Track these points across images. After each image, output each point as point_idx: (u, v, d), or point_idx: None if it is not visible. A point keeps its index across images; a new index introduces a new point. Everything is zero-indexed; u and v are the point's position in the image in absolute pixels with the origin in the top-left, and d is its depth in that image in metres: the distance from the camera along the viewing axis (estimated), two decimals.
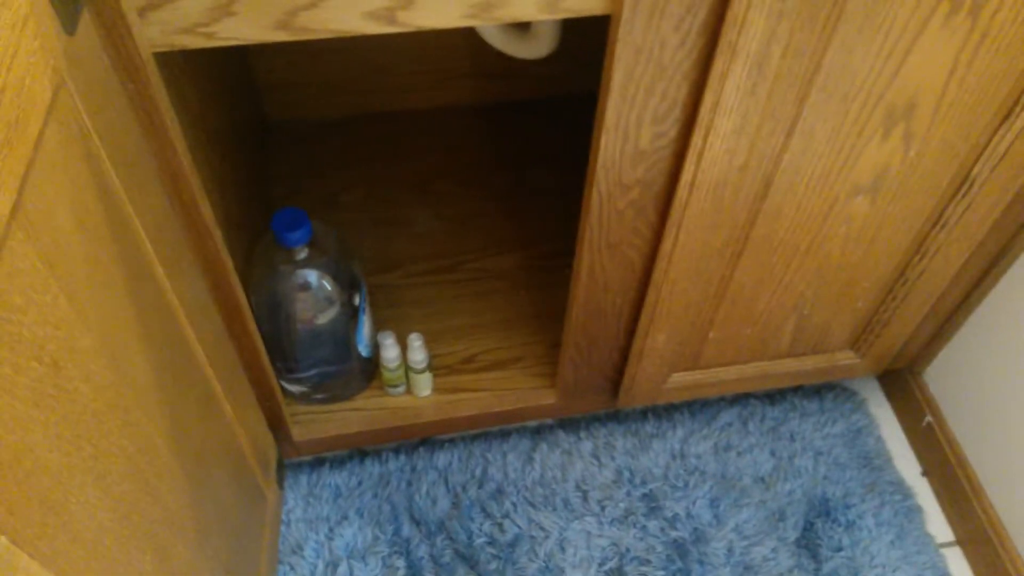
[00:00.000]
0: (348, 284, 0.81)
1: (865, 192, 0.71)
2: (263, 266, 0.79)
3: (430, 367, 0.90)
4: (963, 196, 0.73)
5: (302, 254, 0.77)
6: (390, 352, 0.87)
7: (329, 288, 0.79)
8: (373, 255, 1.04)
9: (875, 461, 1.02)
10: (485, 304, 1.01)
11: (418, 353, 0.87)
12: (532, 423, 1.04)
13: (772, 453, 1.02)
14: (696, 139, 0.62)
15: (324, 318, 0.80)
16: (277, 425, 0.86)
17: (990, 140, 0.68)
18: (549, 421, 1.04)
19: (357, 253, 0.90)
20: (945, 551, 0.96)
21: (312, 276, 0.78)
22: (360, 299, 0.83)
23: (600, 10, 0.53)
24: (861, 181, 0.70)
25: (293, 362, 0.85)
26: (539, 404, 0.94)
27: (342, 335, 0.83)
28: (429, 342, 0.97)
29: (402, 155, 1.15)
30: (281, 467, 0.85)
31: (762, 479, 1.00)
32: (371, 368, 0.92)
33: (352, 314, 0.83)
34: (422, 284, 1.02)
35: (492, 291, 1.03)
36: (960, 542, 0.97)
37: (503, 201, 1.11)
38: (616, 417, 1.04)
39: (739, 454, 1.02)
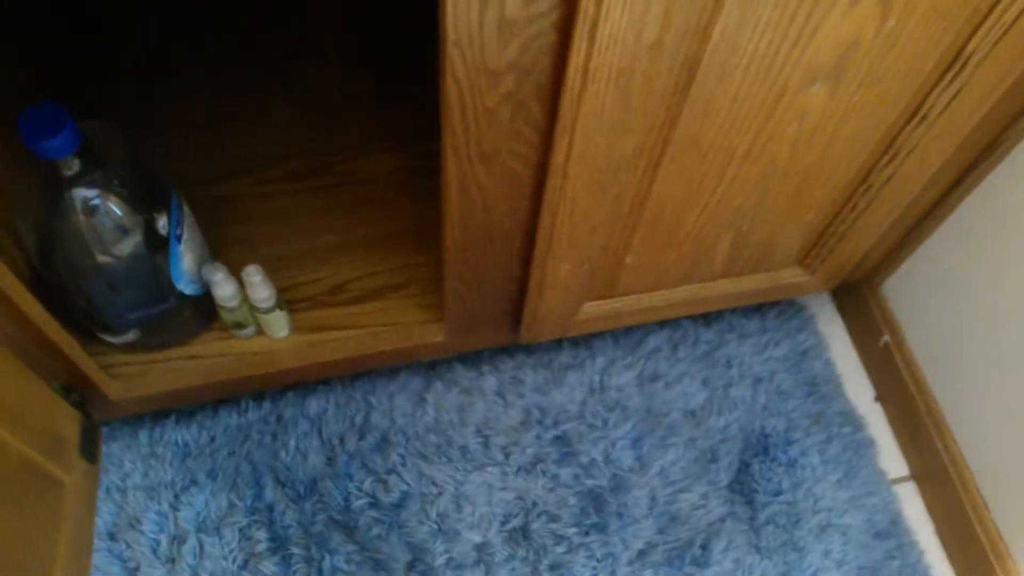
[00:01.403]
0: (148, 204, 0.62)
1: (824, 78, 0.52)
2: (30, 191, 0.59)
3: (280, 304, 0.72)
4: (952, 80, 0.55)
5: (71, 168, 0.56)
6: (223, 289, 0.68)
7: (118, 212, 0.59)
8: (211, 158, 0.83)
9: (823, 388, 0.89)
10: (358, 217, 0.82)
11: (260, 289, 0.69)
12: (426, 358, 0.87)
13: (705, 382, 0.88)
14: (586, 3, 0.42)
15: (116, 253, 0.61)
16: (82, 385, 0.68)
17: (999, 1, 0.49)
18: (450, 356, 0.88)
19: (166, 158, 0.69)
20: (898, 488, 0.85)
21: (87, 198, 0.58)
22: (171, 223, 0.64)
23: None
24: (819, 63, 0.51)
25: (94, 310, 0.66)
26: (424, 343, 0.77)
27: (148, 271, 0.64)
28: (287, 268, 0.79)
29: (248, 27, 0.91)
30: (91, 436, 0.68)
31: (692, 413, 0.86)
32: (208, 305, 0.73)
33: (161, 243, 0.63)
34: (277, 194, 0.82)
35: (366, 200, 0.83)
36: (915, 477, 0.86)
37: (380, 86, 0.89)
38: (526, 346, 0.88)
39: (667, 385, 0.87)
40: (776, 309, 0.92)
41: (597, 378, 0.87)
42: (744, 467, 0.84)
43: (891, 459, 0.86)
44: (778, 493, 0.82)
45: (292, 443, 0.81)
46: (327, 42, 0.92)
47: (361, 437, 0.82)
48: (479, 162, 0.54)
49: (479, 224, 0.61)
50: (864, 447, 0.86)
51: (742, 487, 0.83)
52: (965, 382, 0.78)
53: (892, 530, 0.82)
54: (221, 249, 0.77)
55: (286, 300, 0.76)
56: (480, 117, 0.50)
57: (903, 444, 0.87)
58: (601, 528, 0.80)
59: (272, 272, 0.78)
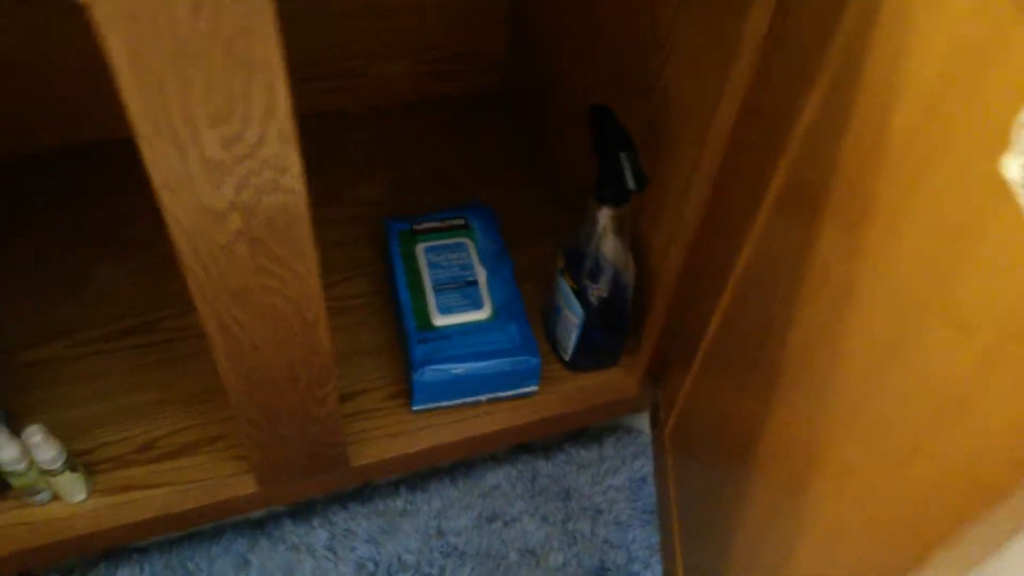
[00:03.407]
0: None
1: None
2: None
3: (73, 465, 0.69)
4: None
5: None
6: (5, 453, 0.66)
7: None
8: (24, 322, 0.83)
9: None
10: (179, 371, 0.82)
11: (44, 450, 0.67)
12: (257, 514, 0.84)
13: (544, 519, 0.86)
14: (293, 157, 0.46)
15: None
16: None
17: None
18: (279, 508, 0.85)
19: None
20: None
21: None
22: None
23: None
24: None
25: None
26: (236, 496, 0.75)
27: None
28: (97, 428, 0.77)
29: (81, 199, 0.94)
30: None
31: (532, 552, 0.84)
32: None
33: None
34: (96, 354, 0.82)
35: (190, 354, 0.83)
36: None
37: None
38: (360, 495, 0.86)
39: (506, 524, 0.85)
40: (614, 437, 0.93)
41: (434, 523, 0.85)
42: None
43: None
44: None
45: None
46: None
47: None
48: (231, 300, 0.55)
49: (253, 364, 0.61)
50: None
51: None
52: None
53: None
54: (28, 416, 0.75)
55: (90, 461, 0.74)
56: (217, 255, 0.52)
57: None
58: None
59: (79, 434, 0.76)
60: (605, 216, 0.71)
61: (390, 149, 1.02)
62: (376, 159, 1.01)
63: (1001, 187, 0.34)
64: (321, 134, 1.02)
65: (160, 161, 0.45)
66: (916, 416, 0.40)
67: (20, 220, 0.92)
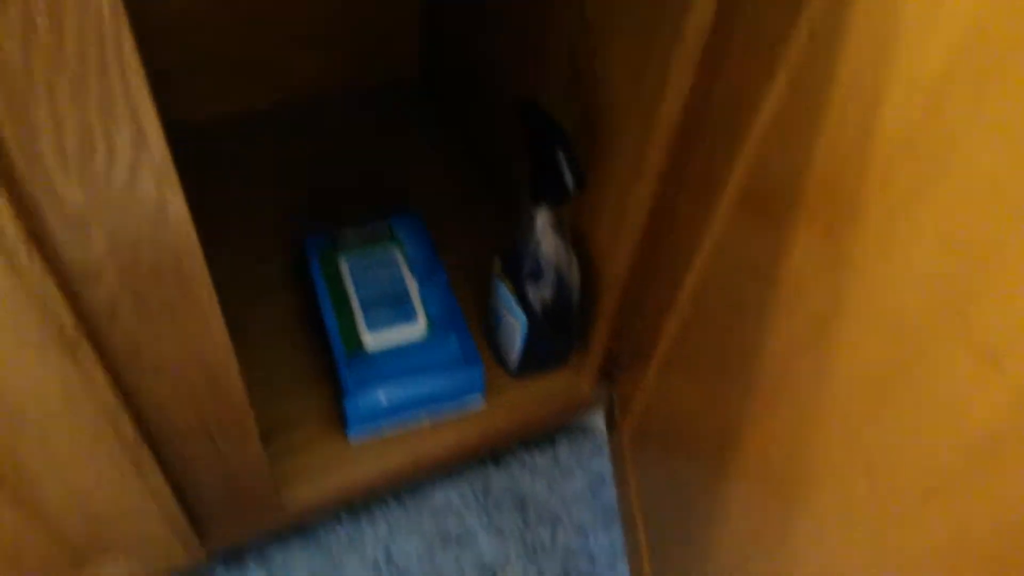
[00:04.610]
0: None
1: None
2: None
3: None
4: None
5: None
6: None
7: None
8: None
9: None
10: None
11: None
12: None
13: (500, 532, 0.81)
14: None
15: None
16: None
17: None
18: (205, 561, 0.77)
19: None
20: None
21: None
22: None
23: None
24: None
25: None
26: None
27: None
28: None
29: None
30: None
31: (490, 570, 0.79)
32: None
33: None
34: None
35: None
36: None
37: None
38: (299, 528, 0.79)
39: (460, 543, 0.80)
40: (567, 439, 0.88)
41: (381, 551, 0.79)
42: None
43: None
44: None
45: None
46: None
47: None
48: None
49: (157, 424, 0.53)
50: None
51: None
52: None
53: None
54: None
55: None
56: (100, 308, 0.43)
57: None
58: None
59: None
60: (543, 217, 0.65)
61: (303, 150, 0.92)
62: (288, 162, 0.91)
63: None
64: (224, 138, 0.91)
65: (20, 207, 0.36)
66: (931, 452, 0.35)
67: None
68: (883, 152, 0.36)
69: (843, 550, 0.43)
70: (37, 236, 0.38)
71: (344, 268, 0.74)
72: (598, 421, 0.89)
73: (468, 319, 0.76)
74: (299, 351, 0.76)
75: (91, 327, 0.43)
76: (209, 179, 0.87)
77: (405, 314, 0.72)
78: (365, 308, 0.72)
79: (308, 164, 0.91)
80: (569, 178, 0.59)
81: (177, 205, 0.41)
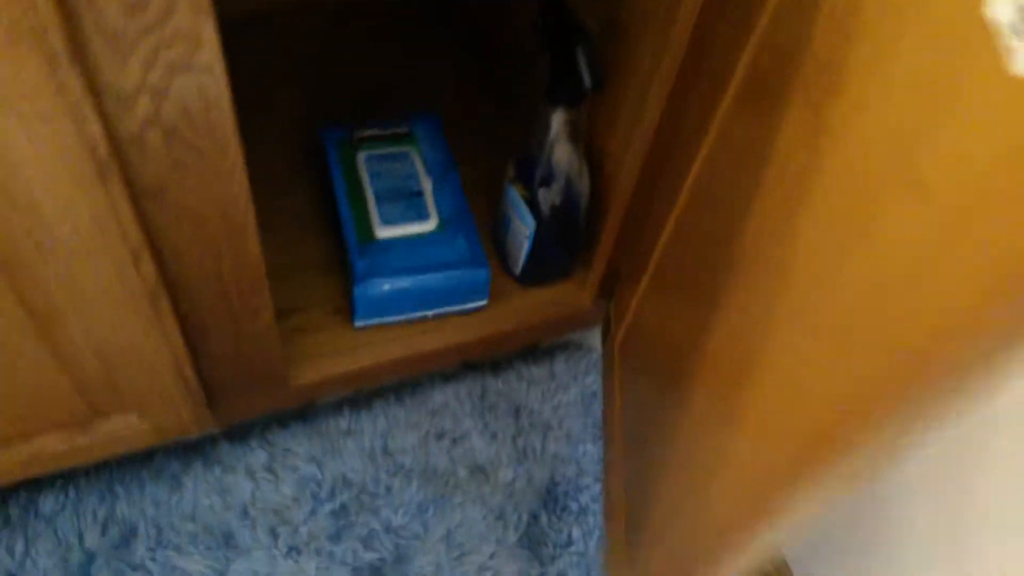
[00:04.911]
0: None
1: None
2: None
3: None
4: None
5: None
6: None
7: None
8: None
9: None
10: None
11: None
12: (191, 437, 0.80)
13: (494, 435, 0.84)
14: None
15: None
16: None
17: None
18: (212, 431, 0.81)
19: None
20: None
21: None
22: None
23: None
24: None
25: None
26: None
27: None
28: None
29: None
30: None
31: (481, 468, 0.82)
32: None
33: None
34: None
35: None
36: None
37: None
38: (302, 416, 0.83)
39: (454, 441, 0.83)
40: (565, 354, 0.91)
41: (379, 442, 0.82)
42: (533, 520, 0.80)
43: None
44: (568, 544, 0.78)
45: (19, 547, 0.71)
46: None
47: (103, 532, 0.73)
48: (148, 200, 0.50)
49: (176, 274, 0.56)
50: None
51: (531, 542, 0.78)
52: None
53: None
54: None
55: None
56: (131, 144, 0.46)
57: None
58: None
59: None
60: (558, 120, 0.67)
61: (321, 58, 0.94)
62: (307, 68, 0.93)
63: (982, 37, 0.30)
64: (244, 41, 0.93)
65: None
66: (874, 296, 0.37)
67: None
68: (868, 11, 0.38)
69: (780, 415, 0.45)
70: (80, 51, 0.40)
71: (361, 162, 0.76)
72: (595, 341, 0.91)
73: (478, 225, 0.78)
74: (314, 240, 0.79)
75: (122, 156, 0.46)
76: (234, 76, 0.89)
77: (418, 212, 0.75)
78: (380, 202, 0.75)
79: (328, 69, 0.93)
80: (587, 77, 0.61)
81: (211, 45, 0.43)
